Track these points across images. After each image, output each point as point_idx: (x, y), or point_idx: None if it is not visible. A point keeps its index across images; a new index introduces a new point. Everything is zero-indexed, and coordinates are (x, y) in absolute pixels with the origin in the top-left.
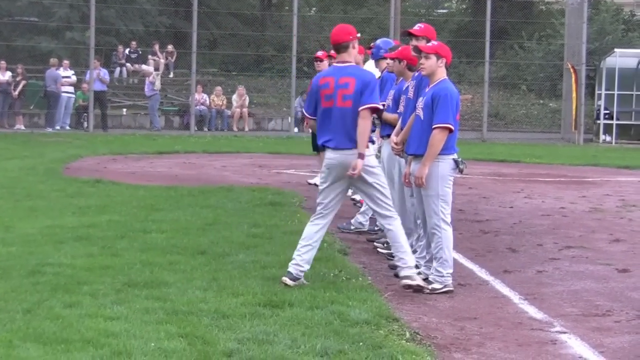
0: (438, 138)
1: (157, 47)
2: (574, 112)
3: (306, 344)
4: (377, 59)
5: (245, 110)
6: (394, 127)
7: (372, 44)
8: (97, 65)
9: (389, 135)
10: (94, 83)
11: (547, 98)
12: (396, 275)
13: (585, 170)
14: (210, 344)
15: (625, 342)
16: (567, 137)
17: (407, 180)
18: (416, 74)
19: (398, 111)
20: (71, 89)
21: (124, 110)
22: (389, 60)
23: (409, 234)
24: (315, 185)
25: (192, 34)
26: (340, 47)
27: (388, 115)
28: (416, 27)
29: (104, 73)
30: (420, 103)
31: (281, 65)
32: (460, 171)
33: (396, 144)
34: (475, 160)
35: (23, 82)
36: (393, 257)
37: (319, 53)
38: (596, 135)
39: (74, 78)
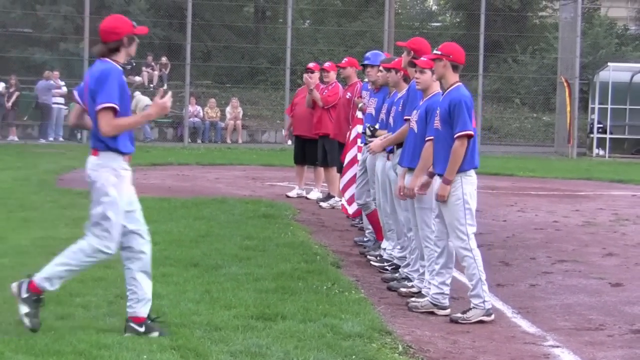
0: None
1: (150, 58)
2: (568, 126)
3: (299, 356)
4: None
5: (238, 122)
6: None
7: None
8: None
9: (383, 149)
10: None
11: (541, 112)
12: (389, 289)
13: (579, 184)
14: (203, 356)
15: (618, 356)
16: (561, 151)
17: (401, 194)
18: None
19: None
20: (63, 100)
21: None
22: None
23: (404, 247)
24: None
25: (186, 45)
26: None
27: (382, 132)
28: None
29: None
30: (415, 116)
31: (275, 77)
32: None
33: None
34: None
35: (16, 94)
36: (386, 270)
37: (311, 65)
38: (589, 149)
39: (64, 89)
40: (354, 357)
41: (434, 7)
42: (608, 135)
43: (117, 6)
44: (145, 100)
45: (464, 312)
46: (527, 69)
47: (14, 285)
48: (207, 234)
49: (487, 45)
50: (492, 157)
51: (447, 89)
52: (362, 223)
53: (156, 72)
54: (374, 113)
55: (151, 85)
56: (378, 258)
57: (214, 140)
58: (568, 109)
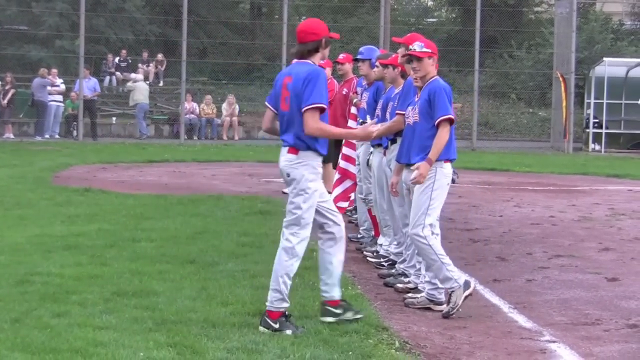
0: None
1: (146, 55)
2: (564, 121)
3: (295, 353)
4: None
5: (235, 119)
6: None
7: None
8: (86, 74)
9: (379, 145)
10: (86, 90)
11: (537, 107)
12: (386, 285)
13: (575, 179)
14: (199, 353)
15: (615, 351)
16: (557, 146)
17: (394, 190)
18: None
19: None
20: (60, 97)
21: (114, 118)
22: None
23: (400, 243)
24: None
25: (182, 42)
26: None
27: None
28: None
29: (94, 83)
30: (411, 112)
31: (271, 74)
32: (453, 181)
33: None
34: (465, 169)
35: (12, 91)
36: (382, 266)
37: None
38: (585, 144)
39: (62, 87)
40: (350, 353)
41: (430, 3)
42: (604, 130)
43: (113, 3)
44: (144, 88)
45: (448, 303)
46: (522, 64)
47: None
48: (204, 231)
49: (483, 40)
50: (488, 152)
51: (425, 82)
52: (357, 220)
53: (152, 69)
54: (366, 108)
55: (147, 82)
56: (374, 254)
57: (210, 137)
58: (564, 104)
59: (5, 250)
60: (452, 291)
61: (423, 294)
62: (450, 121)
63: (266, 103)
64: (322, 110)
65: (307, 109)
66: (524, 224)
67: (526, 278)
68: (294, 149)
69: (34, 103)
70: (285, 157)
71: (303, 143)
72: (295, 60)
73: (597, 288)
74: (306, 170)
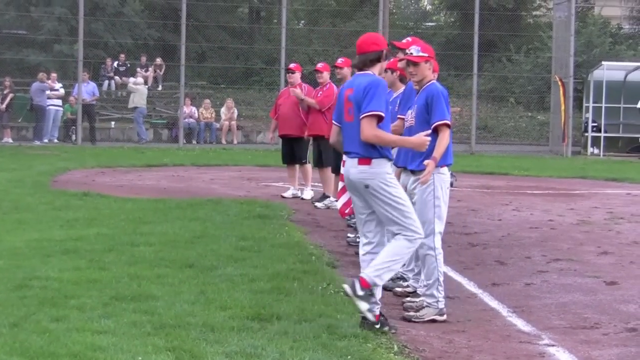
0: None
1: (144, 59)
2: (563, 125)
3: (294, 357)
4: None
5: (233, 123)
6: None
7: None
8: (85, 79)
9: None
10: (84, 94)
11: (535, 111)
12: (384, 288)
13: (573, 182)
14: (198, 357)
15: (614, 354)
16: (555, 150)
17: None
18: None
19: None
20: (59, 101)
21: (113, 123)
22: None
23: None
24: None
25: (180, 46)
26: None
27: None
28: (404, 40)
29: (92, 87)
30: (410, 115)
31: (270, 78)
32: (451, 184)
33: None
34: (463, 172)
35: (10, 95)
36: None
37: (292, 65)
38: (584, 147)
39: (62, 91)
40: (349, 357)
41: (428, 7)
42: (602, 134)
43: (111, 7)
44: (144, 92)
45: (417, 310)
46: (521, 68)
47: (347, 287)
48: (202, 235)
49: (482, 44)
50: (487, 156)
51: (422, 86)
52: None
53: (151, 73)
54: None
55: (146, 86)
56: None
57: (209, 141)
58: (562, 107)
59: (4, 255)
60: (428, 306)
61: (422, 298)
62: (447, 126)
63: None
64: (380, 118)
65: (365, 116)
66: (523, 228)
67: (525, 282)
68: (367, 159)
69: (32, 107)
70: (358, 169)
71: (376, 152)
72: (356, 72)
73: (595, 292)
74: (383, 178)
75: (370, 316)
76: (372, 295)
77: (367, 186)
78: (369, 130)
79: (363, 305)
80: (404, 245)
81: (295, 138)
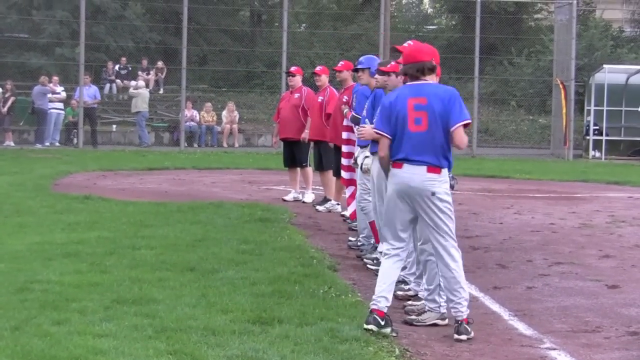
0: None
1: (145, 63)
2: (564, 128)
3: None
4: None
5: (235, 126)
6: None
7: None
8: (87, 82)
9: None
10: (86, 97)
11: (537, 114)
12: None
13: (575, 186)
14: None
15: (615, 358)
16: (557, 153)
17: None
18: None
19: None
20: (60, 105)
21: (114, 126)
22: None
23: None
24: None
25: (182, 50)
26: None
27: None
28: (405, 44)
29: (94, 91)
30: None
31: (271, 81)
32: (451, 187)
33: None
34: (464, 175)
35: (12, 99)
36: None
37: (292, 69)
38: (585, 151)
39: (63, 94)
40: None
41: (430, 10)
42: (604, 137)
43: (113, 11)
44: (147, 96)
45: (418, 314)
46: (522, 71)
47: (371, 327)
48: (204, 238)
49: (483, 47)
50: (488, 159)
51: None
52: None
53: (152, 77)
54: (366, 114)
55: (148, 90)
56: (374, 261)
57: (210, 145)
58: (564, 111)
59: (5, 258)
60: (430, 310)
61: (423, 302)
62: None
63: (381, 132)
64: (466, 125)
65: (458, 127)
66: (524, 231)
67: (526, 285)
68: (438, 168)
69: (34, 111)
70: (426, 177)
71: (447, 162)
72: (410, 81)
73: (597, 295)
74: (447, 188)
75: (388, 331)
76: (389, 319)
77: (433, 193)
78: (464, 139)
79: (387, 330)
80: (453, 258)
81: (295, 141)
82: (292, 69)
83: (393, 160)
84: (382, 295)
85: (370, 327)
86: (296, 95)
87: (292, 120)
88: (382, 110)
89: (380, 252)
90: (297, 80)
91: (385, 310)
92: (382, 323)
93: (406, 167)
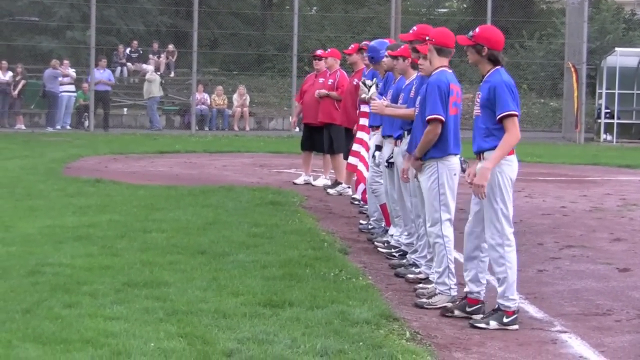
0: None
1: (156, 46)
2: (575, 112)
3: (306, 343)
4: (379, 61)
5: (246, 109)
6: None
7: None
8: (102, 65)
9: (390, 135)
10: (98, 84)
11: (548, 97)
12: (396, 275)
13: (586, 169)
14: (210, 343)
15: (626, 341)
16: (568, 136)
17: (405, 176)
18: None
19: None
20: (72, 87)
21: (125, 109)
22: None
23: (411, 233)
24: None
25: (192, 33)
26: None
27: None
28: (410, 31)
29: (108, 74)
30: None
31: (282, 64)
32: (463, 170)
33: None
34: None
35: (22, 82)
36: (393, 256)
37: (318, 52)
38: (597, 134)
39: (73, 74)
40: (361, 343)
41: None
42: (615, 121)
43: None
44: (159, 81)
45: (429, 297)
46: (534, 54)
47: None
48: (215, 222)
49: None
50: None
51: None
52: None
53: (163, 60)
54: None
55: (159, 73)
56: (385, 245)
57: (221, 128)
58: (575, 94)
59: (17, 241)
60: (440, 293)
61: (433, 285)
62: (439, 121)
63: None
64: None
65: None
66: (535, 215)
67: (537, 268)
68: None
69: (45, 94)
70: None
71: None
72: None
73: (608, 279)
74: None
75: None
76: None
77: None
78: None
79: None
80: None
81: (316, 127)
82: (318, 52)
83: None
84: None
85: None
86: (320, 79)
87: (314, 105)
88: (510, 92)
89: (391, 235)
90: (322, 64)
91: None
92: None
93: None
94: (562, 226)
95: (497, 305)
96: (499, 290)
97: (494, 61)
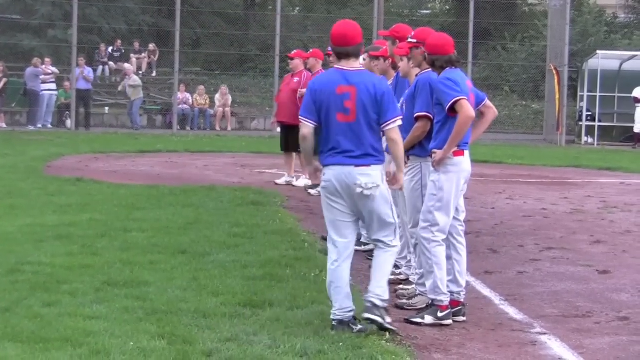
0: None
1: (137, 45)
2: (557, 114)
3: (286, 344)
4: None
5: (227, 109)
6: None
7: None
8: (81, 64)
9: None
10: (79, 82)
11: (530, 99)
12: None
13: (567, 171)
14: (190, 343)
15: (605, 343)
16: (550, 139)
17: (387, 179)
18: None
19: None
20: (53, 86)
21: (106, 108)
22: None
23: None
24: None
25: (175, 32)
26: None
27: None
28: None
29: (88, 71)
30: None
31: (264, 64)
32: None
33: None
34: None
35: (4, 80)
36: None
37: (293, 52)
38: (578, 136)
39: (56, 71)
40: (341, 344)
41: None
42: (597, 123)
43: None
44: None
45: (409, 298)
46: (516, 56)
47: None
48: (196, 222)
49: (477, 33)
50: (481, 144)
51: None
52: None
53: (145, 59)
54: None
55: (140, 72)
56: (364, 245)
57: (203, 128)
58: (557, 96)
59: None
60: (421, 294)
61: (413, 286)
62: (428, 119)
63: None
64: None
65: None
66: (516, 217)
67: (518, 270)
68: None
69: (26, 92)
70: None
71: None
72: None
73: (588, 281)
74: None
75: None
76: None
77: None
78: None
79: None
80: None
81: (291, 126)
82: (293, 52)
83: (460, 148)
84: None
85: None
86: (295, 79)
87: (288, 104)
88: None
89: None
90: (296, 63)
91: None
92: None
93: (465, 151)
94: (542, 228)
95: (430, 301)
96: (428, 284)
97: (431, 64)
